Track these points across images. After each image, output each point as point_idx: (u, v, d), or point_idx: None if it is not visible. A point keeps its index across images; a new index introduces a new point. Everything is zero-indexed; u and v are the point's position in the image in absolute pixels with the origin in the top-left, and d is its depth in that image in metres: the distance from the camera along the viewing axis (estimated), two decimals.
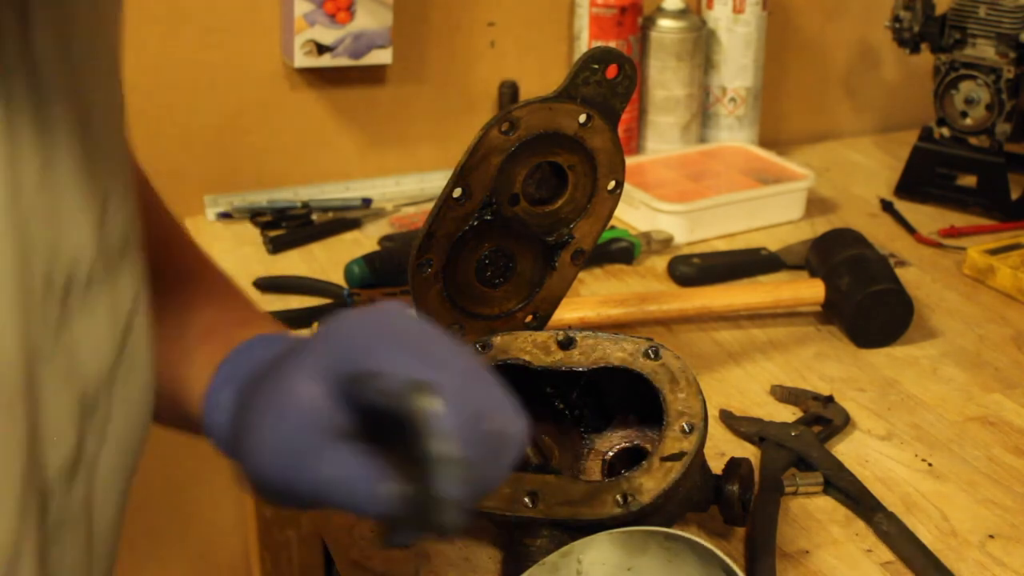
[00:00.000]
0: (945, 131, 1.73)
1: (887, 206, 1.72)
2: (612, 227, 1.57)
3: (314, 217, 1.64)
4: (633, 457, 1.03)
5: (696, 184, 1.68)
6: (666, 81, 1.77)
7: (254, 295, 1.45)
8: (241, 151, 1.69)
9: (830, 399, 1.22)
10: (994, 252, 1.51)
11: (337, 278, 1.49)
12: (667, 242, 1.57)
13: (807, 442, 1.14)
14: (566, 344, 1.02)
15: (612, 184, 1.13)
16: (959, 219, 1.69)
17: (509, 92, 1.75)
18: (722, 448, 1.16)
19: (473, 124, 1.76)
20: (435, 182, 1.73)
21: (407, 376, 0.64)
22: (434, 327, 0.71)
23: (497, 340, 1.04)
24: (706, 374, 1.29)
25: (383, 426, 0.65)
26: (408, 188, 1.72)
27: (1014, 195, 1.69)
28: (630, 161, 1.70)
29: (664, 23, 1.76)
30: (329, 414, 0.66)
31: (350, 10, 1.60)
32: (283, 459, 0.67)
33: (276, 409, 0.68)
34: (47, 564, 0.64)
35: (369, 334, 0.68)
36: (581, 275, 1.50)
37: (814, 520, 1.06)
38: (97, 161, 0.67)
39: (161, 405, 0.76)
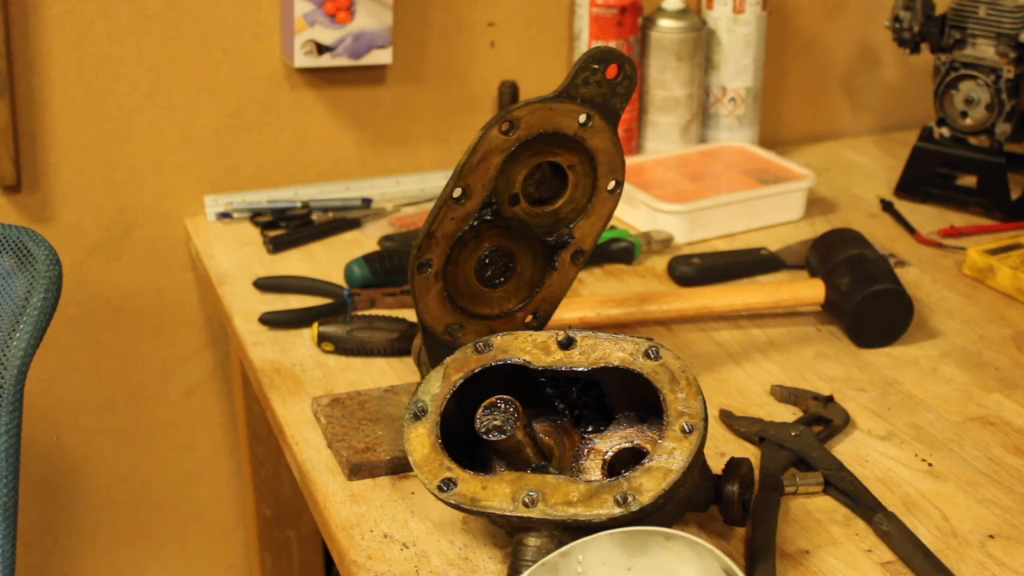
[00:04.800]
0: (945, 131, 1.73)
1: (887, 206, 1.72)
2: (612, 227, 1.57)
3: (314, 217, 1.64)
4: (633, 457, 1.03)
5: (696, 184, 1.68)
6: (666, 81, 1.77)
7: (254, 295, 1.46)
8: (241, 151, 1.69)
9: (830, 399, 1.22)
10: (994, 252, 1.51)
11: (337, 278, 1.49)
12: (667, 242, 1.57)
13: (807, 442, 1.14)
14: (566, 344, 1.02)
15: (612, 184, 1.13)
16: (959, 219, 1.69)
17: (509, 92, 1.75)
18: (722, 448, 1.16)
19: (473, 124, 1.78)
20: (435, 182, 1.73)
21: None
22: None
23: (497, 340, 1.04)
24: (706, 374, 1.29)
25: None
26: (408, 188, 1.72)
27: (1014, 195, 1.69)
28: (630, 161, 1.71)
29: (664, 23, 1.76)
30: None
31: (350, 10, 1.60)
32: None
33: None
34: None
35: None
36: (581, 275, 1.50)
37: (814, 520, 1.06)
38: None
39: None
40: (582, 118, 1.08)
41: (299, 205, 1.65)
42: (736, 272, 1.51)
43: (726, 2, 1.78)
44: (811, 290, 1.38)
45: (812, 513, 1.07)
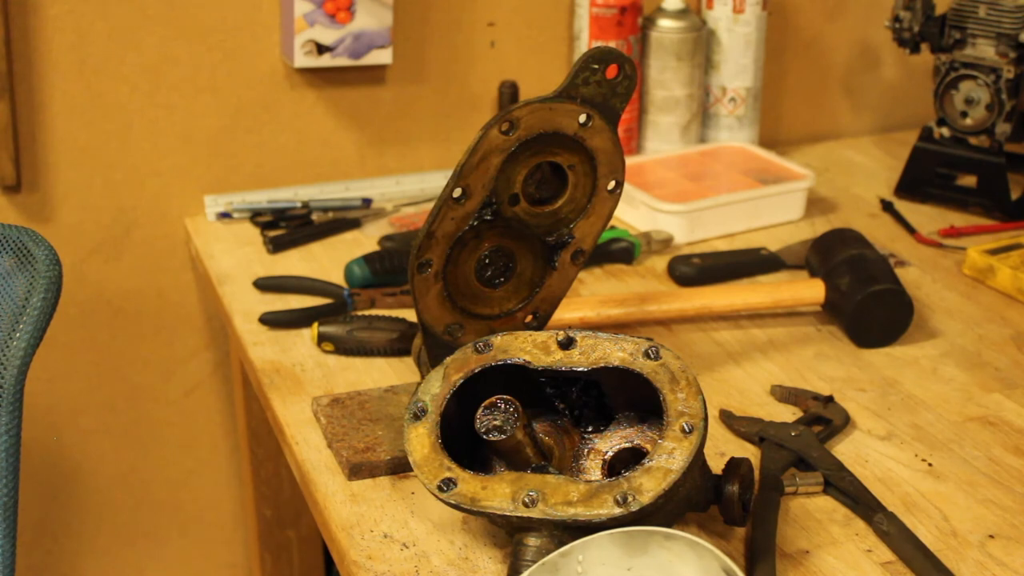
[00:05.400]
0: (945, 131, 1.73)
1: (887, 206, 1.72)
2: (612, 227, 1.57)
3: (314, 217, 1.64)
4: (633, 457, 1.03)
5: (696, 184, 1.68)
6: (666, 81, 1.77)
7: (254, 295, 1.46)
8: (241, 151, 1.69)
9: (830, 399, 1.22)
10: (994, 252, 1.51)
11: (337, 278, 1.49)
12: (667, 242, 1.57)
13: (807, 442, 1.14)
14: (566, 344, 1.02)
15: (612, 184, 1.13)
16: (959, 219, 1.69)
17: (509, 92, 1.75)
18: (722, 448, 1.16)
19: (473, 124, 1.78)
20: (435, 182, 1.73)
21: None
22: None
23: (497, 340, 1.04)
24: (706, 374, 1.29)
25: None
26: (408, 188, 1.72)
27: (1014, 195, 1.69)
28: (630, 161, 1.71)
29: (664, 23, 1.76)
30: None
31: (350, 10, 1.60)
32: None
33: None
34: None
35: None
36: (581, 275, 1.50)
37: (814, 520, 1.06)
38: None
39: None
40: (582, 118, 1.08)
41: (299, 205, 1.65)
42: (736, 272, 1.51)
43: (726, 2, 1.78)
44: (811, 290, 1.38)
45: (812, 513, 1.07)
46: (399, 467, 1.11)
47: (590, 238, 1.14)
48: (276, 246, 1.56)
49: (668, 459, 0.93)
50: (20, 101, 1.57)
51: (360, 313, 1.40)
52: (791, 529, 1.05)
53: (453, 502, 0.96)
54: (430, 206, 1.69)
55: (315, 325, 1.32)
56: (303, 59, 1.61)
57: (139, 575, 1.85)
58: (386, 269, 1.46)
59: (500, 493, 0.95)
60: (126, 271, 1.68)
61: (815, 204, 1.71)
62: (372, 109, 1.73)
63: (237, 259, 1.55)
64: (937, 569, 0.98)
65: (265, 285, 1.46)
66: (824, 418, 1.19)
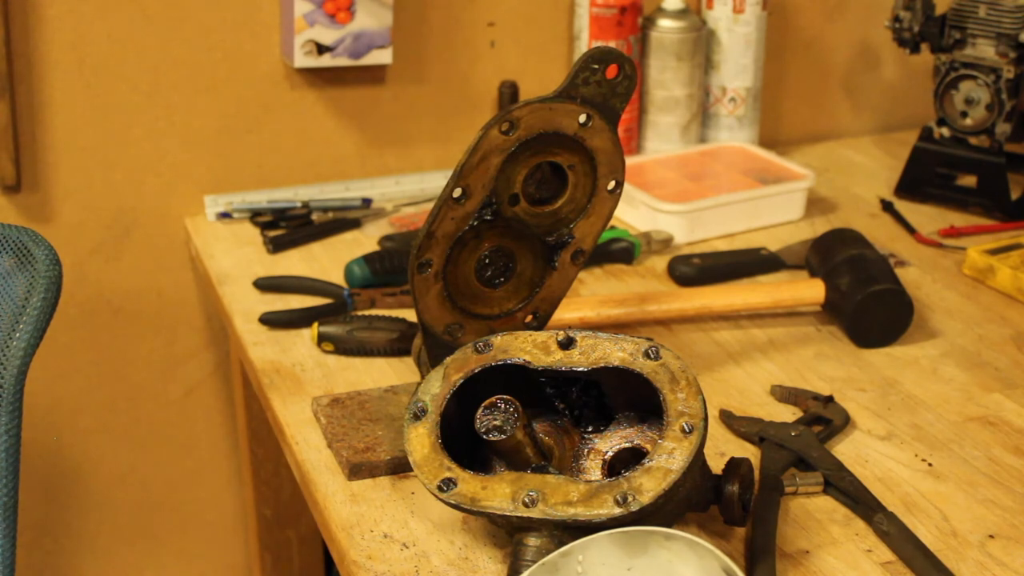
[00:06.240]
0: (945, 131, 1.73)
1: (887, 206, 1.72)
2: (612, 227, 1.58)
3: (314, 217, 1.64)
4: (633, 457, 1.03)
5: (696, 184, 1.68)
6: (666, 81, 1.77)
7: (254, 295, 1.46)
8: (241, 151, 1.69)
9: (830, 399, 1.22)
10: (994, 252, 1.51)
11: (337, 278, 1.49)
12: (667, 242, 1.57)
13: (807, 442, 1.14)
14: (566, 344, 1.02)
15: (612, 184, 1.13)
16: (959, 219, 1.69)
17: (509, 92, 1.75)
18: (722, 448, 1.16)
19: (473, 124, 1.78)
20: (435, 182, 1.73)
21: None
22: None
23: (497, 340, 1.04)
24: (706, 374, 1.29)
25: None
26: (408, 188, 1.72)
27: (1014, 195, 1.69)
28: (630, 161, 1.71)
29: (664, 23, 1.76)
30: None
31: (350, 10, 1.60)
32: None
33: None
34: None
35: None
36: (581, 275, 1.50)
37: (814, 520, 1.06)
38: None
39: None
40: (582, 118, 1.08)
41: (299, 205, 1.65)
42: (736, 272, 1.51)
43: (726, 2, 1.78)
44: (811, 290, 1.38)
45: (812, 513, 1.07)
46: (399, 467, 1.11)
47: (590, 238, 1.14)
48: (276, 246, 1.56)
49: (668, 459, 0.93)
50: (20, 101, 1.57)
51: (360, 313, 1.40)
52: (791, 529, 1.05)
53: (453, 502, 0.96)
54: (430, 206, 1.69)
55: (315, 325, 1.32)
56: (303, 59, 1.61)
57: (139, 575, 1.85)
58: (386, 269, 1.46)
59: (500, 493, 0.95)
60: (126, 271, 1.68)
61: (815, 204, 1.71)
62: (372, 109, 1.73)
63: (237, 259, 1.55)
64: (937, 569, 0.98)
65: (265, 285, 1.47)
66: (824, 418, 1.19)
